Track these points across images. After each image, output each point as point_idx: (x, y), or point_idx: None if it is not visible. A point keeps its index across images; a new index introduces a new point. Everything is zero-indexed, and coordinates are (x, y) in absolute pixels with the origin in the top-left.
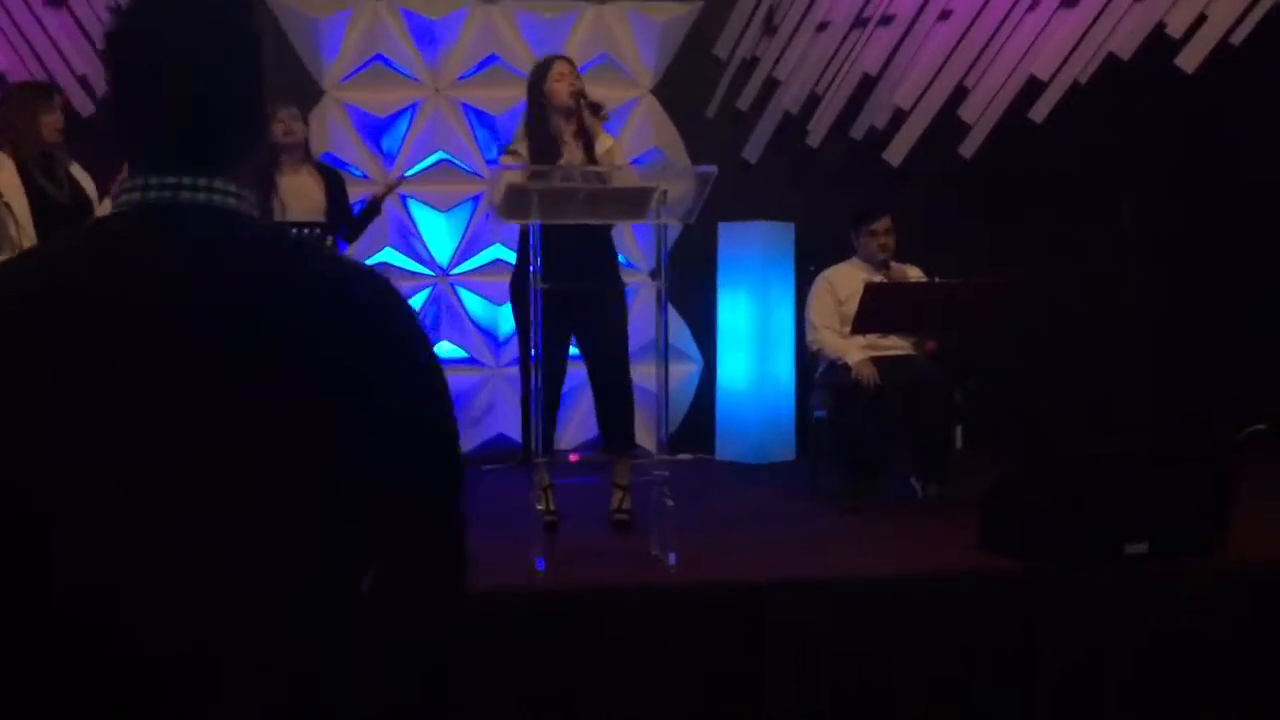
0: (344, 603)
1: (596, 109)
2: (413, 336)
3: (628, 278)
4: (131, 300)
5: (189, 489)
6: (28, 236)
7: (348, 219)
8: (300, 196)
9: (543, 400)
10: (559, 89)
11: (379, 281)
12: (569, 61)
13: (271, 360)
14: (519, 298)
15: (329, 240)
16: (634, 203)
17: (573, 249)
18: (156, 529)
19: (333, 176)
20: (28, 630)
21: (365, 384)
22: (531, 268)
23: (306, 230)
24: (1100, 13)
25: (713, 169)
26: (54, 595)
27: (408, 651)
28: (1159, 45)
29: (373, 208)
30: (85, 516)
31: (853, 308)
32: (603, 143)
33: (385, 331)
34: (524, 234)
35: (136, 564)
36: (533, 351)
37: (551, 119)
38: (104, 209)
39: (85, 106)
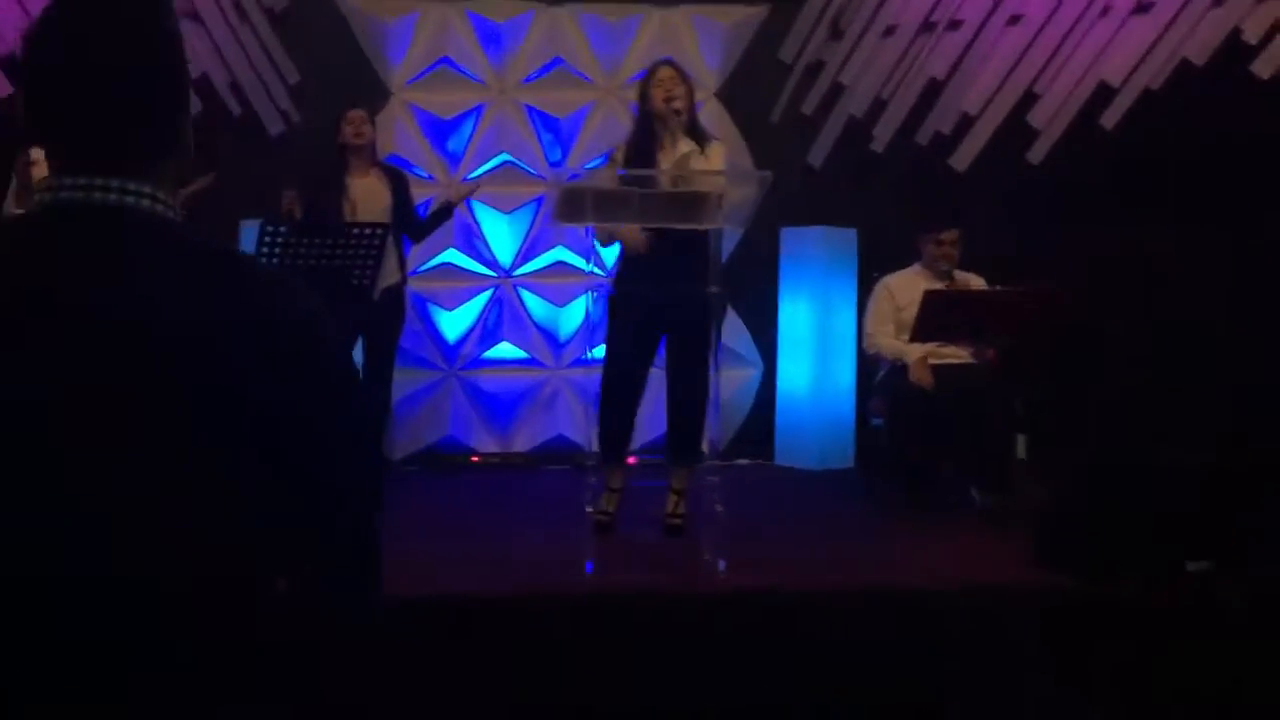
0: (252, 611)
1: (677, 114)
2: (331, 349)
3: None
4: (27, 304)
5: (80, 484)
6: None
7: (413, 220)
8: (369, 198)
9: (621, 404)
10: (655, 94)
11: (302, 300)
12: (672, 66)
13: (169, 366)
14: (611, 301)
15: (387, 239)
16: (691, 207)
17: (665, 254)
18: (52, 530)
19: (398, 178)
20: None
21: (277, 408)
22: (616, 271)
23: (370, 230)
24: (1175, 18)
25: (769, 174)
26: None
27: (312, 660)
28: (1235, 51)
29: (445, 211)
30: None
31: (912, 315)
32: (680, 148)
33: (299, 344)
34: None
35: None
36: (606, 355)
37: (652, 125)
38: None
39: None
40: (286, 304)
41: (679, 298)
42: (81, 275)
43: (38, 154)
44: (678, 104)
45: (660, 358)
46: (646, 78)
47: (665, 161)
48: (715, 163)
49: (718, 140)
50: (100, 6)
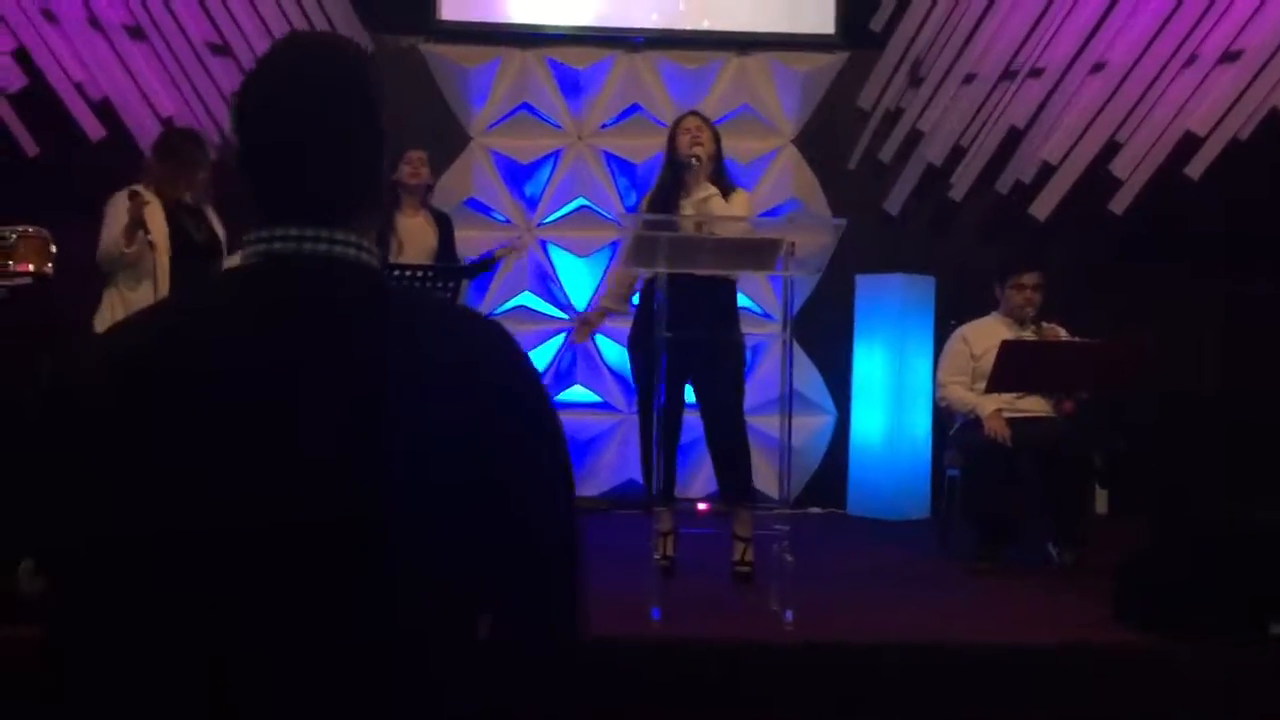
0: (460, 657)
1: (696, 158)
2: (537, 399)
3: (761, 327)
4: (254, 360)
5: (310, 551)
6: (165, 274)
7: (454, 265)
8: (416, 238)
9: (660, 444)
10: (681, 142)
11: (505, 341)
12: (698, 116)
13: (394, 420)
14: (635, 344)
15: (463, 285)
16: (761, 254)
17: (691, 298)
18: (272, 589)
19: (445, 222)
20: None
21: (489, 447)
22: (656, 315)
23: (420, 273)
24: (1263, 68)
25: (842, 221)
26: (190, 657)
27: (521, 705)
28: None
29: (489, 263)
30: (205, 570)
31: (988, 364)
32: (701, 191)
33: (511, 394)
34: (646, 283)
35: (262, 626)
36: (655, 396)
37: (679, 171)
38: (232, 260)
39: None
40: (492, 346)
41: (703, 342)
42: (302, 322)
43: (149, 195)
44: (698, 150)
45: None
46: (674, 126)
47: (688, 207)
48: (738, 209)
49: (744, 189)
50: (309, 58)
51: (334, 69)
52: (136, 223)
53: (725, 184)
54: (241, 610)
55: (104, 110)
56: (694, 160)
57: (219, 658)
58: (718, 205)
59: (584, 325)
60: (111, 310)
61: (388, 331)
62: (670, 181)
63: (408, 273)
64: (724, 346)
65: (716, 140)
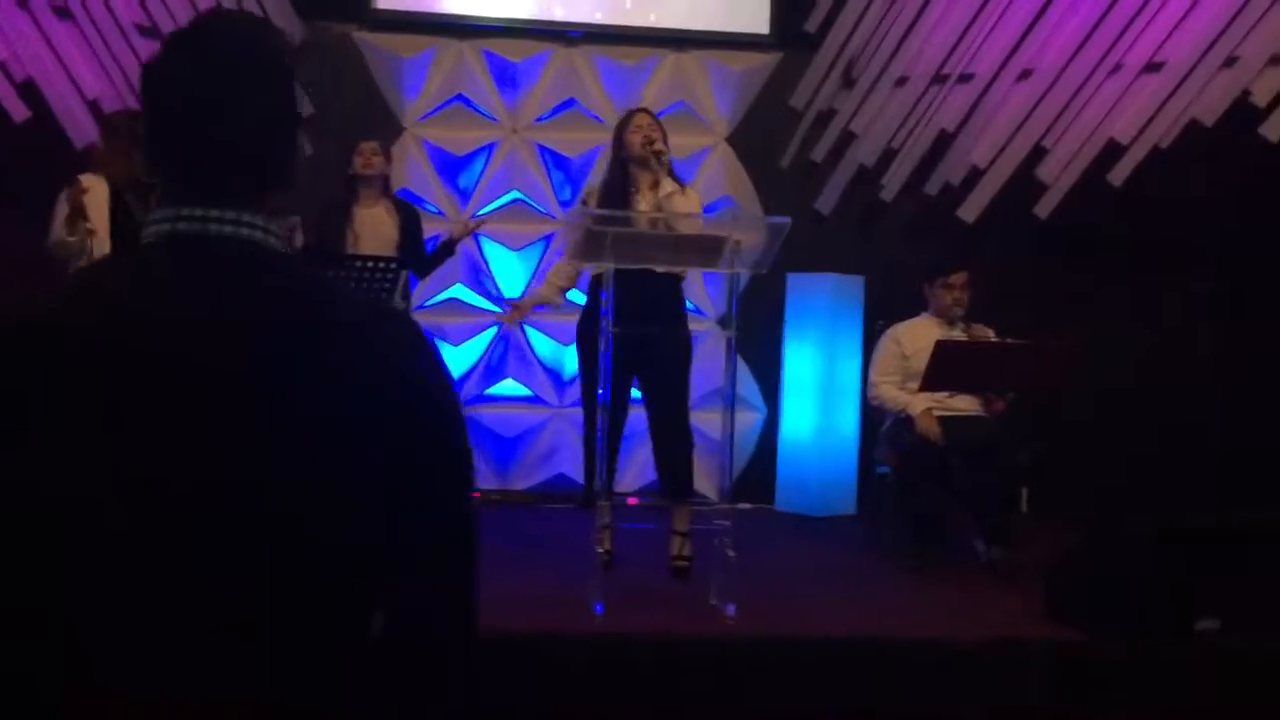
0: (353, 647)
1: (658, 155)
2: (439, 394)
3: (695, 324)
4: (148, 341)
5: (200, 539)
6: None
7: (420, 255)
8: (374, 230)
9: (605, 441)
10: (633, 139)
11: (411, 335)
12: (649, 114)
13: (287, 406)
14: (584, 338)
15: (401, 274)
16: (707, 250)
17: (640, 293)
18: (157, 570)
19: (408, 212)
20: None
21: (387, 439)
22: (603, 310)
23: (384, 264)
24: (1185, 78)
25: (787, 220)
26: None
27: (415, 702)
28: (1244, 113)
29: (448, 247)
30: (86, 546)
31: (919, 363)
32: (664, 188)
33: (413, 389)
34: (594, 277)
35: (138, 604)
36: (600, 391)
37: (628, 168)
38: None
39: None
40: (396, 339)
41: (651, 338)
42: (203, 306)
43: (90, 181)
44: (658, 145)
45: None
46: (623, 122)
47: (642, 204)
48: (694, 205)
49: (691, 186)
50: (223, 38)
51: (245, 48)
52: (76, 211)
53: (677, 181)
54: (115, 599)
55: (28, 91)
56: (657, 157)
57: (80, 649)
58: (679, 203)
59: (516, 310)
60: None
61: (286, 317)
62: (620, 178)
63: (381, 264)
64: (672, 342)
65: (666, 137)
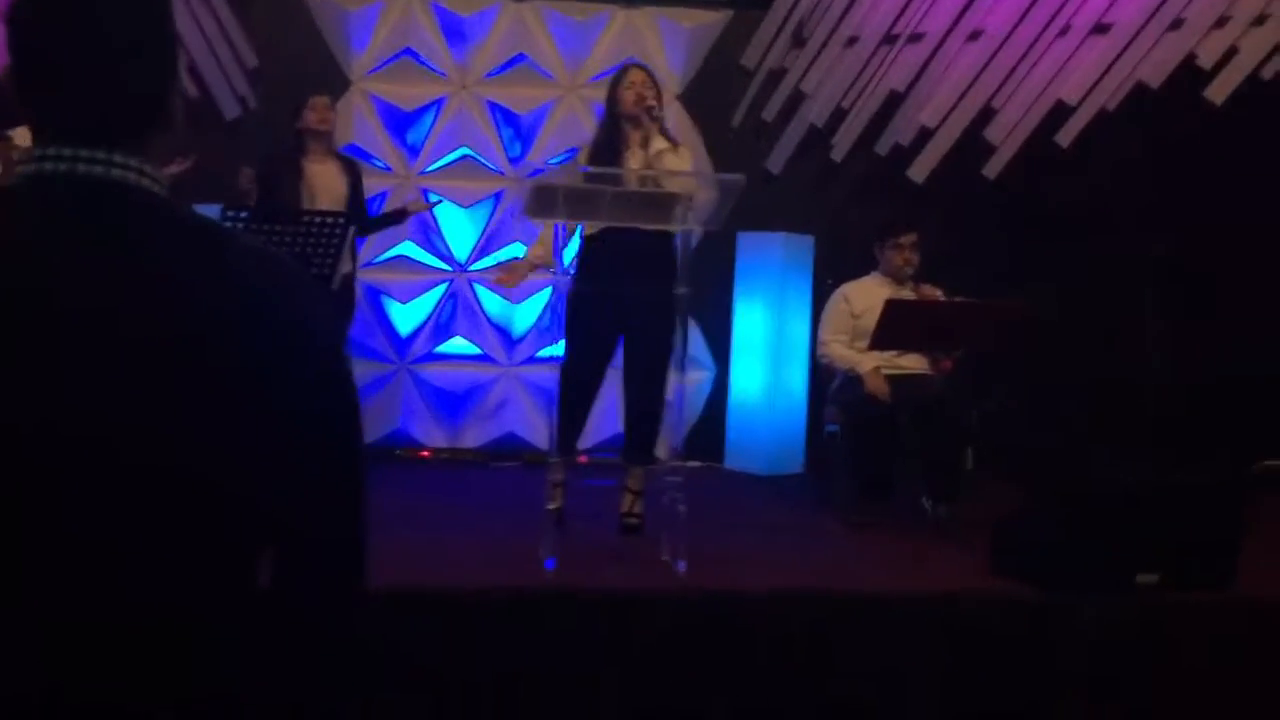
0: (240, 607)
1: (649, 112)
2: (327, 338)
3: None
4: (11, 282)
5: (73, 490)
6: None
7: (363, 213)
8: (326, 186)
9: (574, 401)
10: (626, 96)
11: (299, 280)
12: (643, 70)
13: (162, 353)
14: (573, 298)
15: (350, 231)
16: (660, 207)
17: (628, 252)
18: (41, 531)
19: (354, 169)
20: None
21: (277, 383)
22: (578, 268)
23: (332, 219)
24: (1131, 40)
25: (740, 177)
26: None
27: (303, 657)
28: (1189, 75)
29: (398, 215)
30: None
31: (869, 322)
32: (654, 145)
33: (302, 332)
34: (586, 237)
35: (24, 560)
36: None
37: (620, 124)
38: None
39: None
40: (278, 278)
41: (640, 299)
42: (68, 248)
43: (19, 133)
44: (650, 103)
45: (618, 358)
46: (616, 78)
47: (633, 161)
48: (685, 163)
49: (684, 144)
50: None
51: None
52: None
53: (669, 139)
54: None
55: None
56: (649, 114)
57: None
58: (670, 160)
59: (511, 272)
60: None
61: (167, 259)
62: (611, 135)
63: (329, 220)
64: (660, 303)
65: (660, 95)
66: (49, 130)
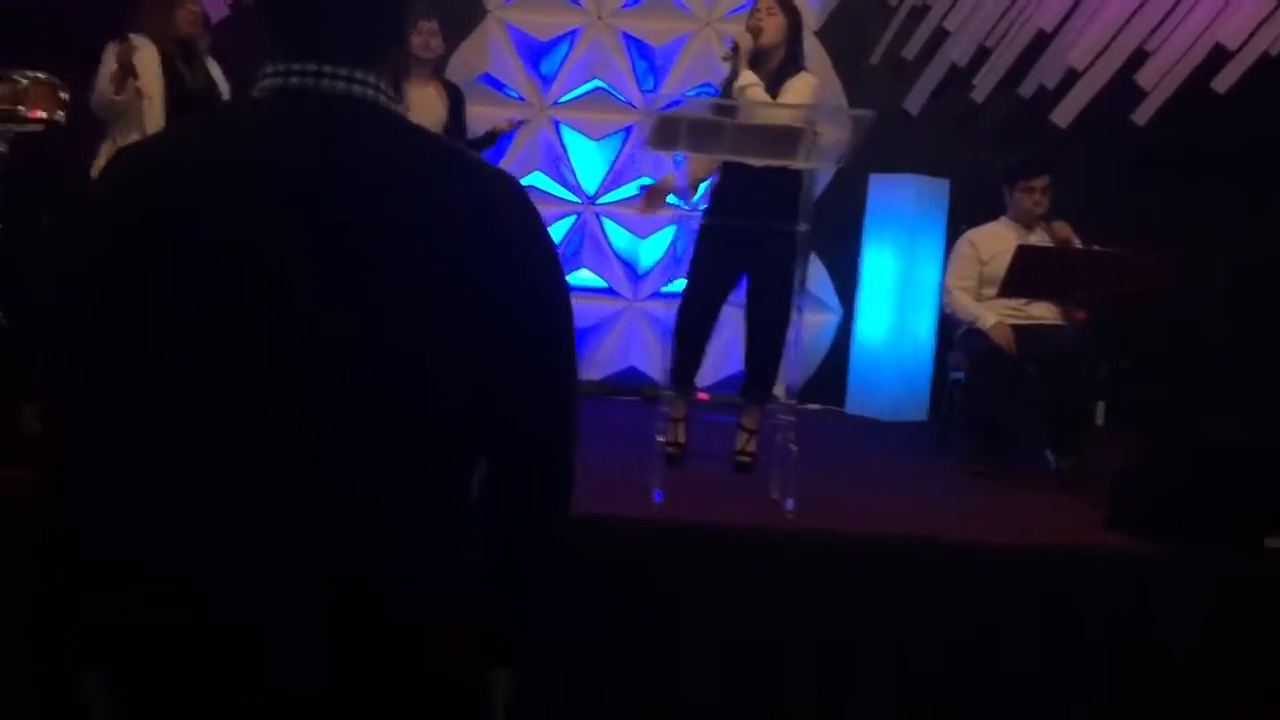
0: (451, 502)
1: (748, 41)
2: (547, 247)
3: None
4: (261, 180)
5: (300, 379)
6: (155, 123)
7: (461, 138)
8: (425, 109)
9: (690, 335)
10: (747, 28)
11: (519, 194)
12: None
13: (397, 254)
14: (703, 232)
15: None
16: (784, 141)
17: (756, 189)
18: (266, 422)
19: (457, 95)
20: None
21: (498, 290)
22: (717, 203)
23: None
24: None
25: (870, 113)
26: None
27: (513, 552)
28: None
29: (488, 138)
30: (205, 397)
31: (998, 268)
32: (742, 79)
33: (522, 241)
34: (720, 174)
35: (253, 455)
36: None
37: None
38: None
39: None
40: (506, 195)
41: (766, 235)
42: (313, 157)
43: (139, 41)
44: (746, 34)
45: (739, 295)
46: (750, 13)
47: (757, 94)
48: (793, 95)
49: (808, 73)
50: None
51: None
52: (125, 69)
53: (790, 68)
54: (245, 443)
55: None
56: (735, 44)
57: (222, 490)
58: (754, 94)
59: (654, 193)
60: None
61: (402, 169)
62: (734, 68)
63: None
64: (784, 242)
65: (791, 23)
66: (292, 49)
